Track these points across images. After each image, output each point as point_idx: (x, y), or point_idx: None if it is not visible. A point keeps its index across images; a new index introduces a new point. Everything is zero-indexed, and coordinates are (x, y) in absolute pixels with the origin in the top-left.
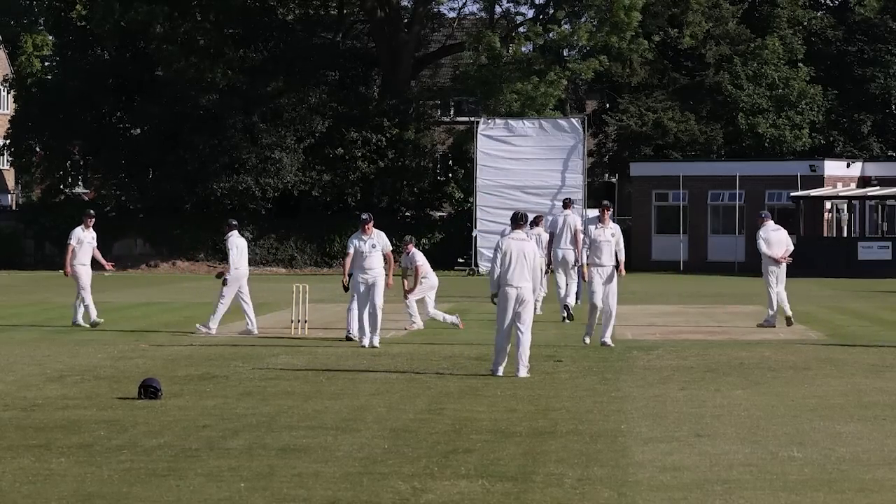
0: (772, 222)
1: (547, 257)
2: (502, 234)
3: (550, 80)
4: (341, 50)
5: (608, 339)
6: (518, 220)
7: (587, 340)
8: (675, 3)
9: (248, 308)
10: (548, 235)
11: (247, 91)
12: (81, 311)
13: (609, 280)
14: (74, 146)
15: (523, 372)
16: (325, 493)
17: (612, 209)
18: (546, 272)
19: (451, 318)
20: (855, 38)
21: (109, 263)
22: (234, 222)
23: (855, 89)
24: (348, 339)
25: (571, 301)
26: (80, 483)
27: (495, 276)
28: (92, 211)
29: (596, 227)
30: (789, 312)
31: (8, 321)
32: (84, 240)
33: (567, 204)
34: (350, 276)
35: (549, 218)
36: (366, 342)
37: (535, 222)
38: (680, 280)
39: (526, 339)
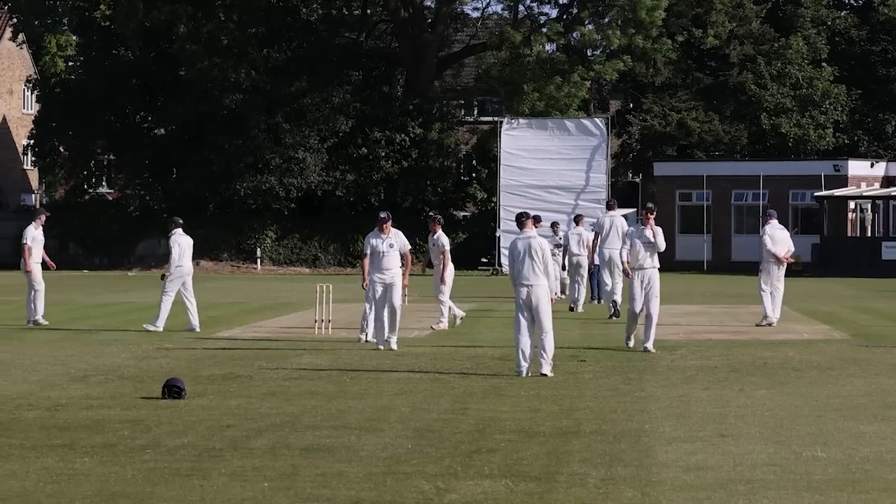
0: (776, 221)
1: (591, 257)
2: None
3: (574, 80)
4: (365, 50)
5: (650, 346)
6: (522, 219)
7: (630, 343)
8: (699, 2)
9: (192, 306)
10: (590, 235)
11: (270, 91)
12: (40, 307)
13: (650, 284)
14: (98, 146)
15: (546, 368)
16: (349, 493)
17: (655, 212)
18: (592, 270)
19: (459, 313)
20: (879, 37)
21: (52, 263)
22: (180, 220)
23: (879, 89)
24: (369, 342)
25: (619, 298)
26: (103, 483)
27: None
28: (43, 208)
29: (636, 230)
30: (769, 315)
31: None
32: (37, 238)
33: (612, 206)
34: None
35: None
36: (382, 344)
37: (577, 221)
38: (703, 280)
39: (548, 336)
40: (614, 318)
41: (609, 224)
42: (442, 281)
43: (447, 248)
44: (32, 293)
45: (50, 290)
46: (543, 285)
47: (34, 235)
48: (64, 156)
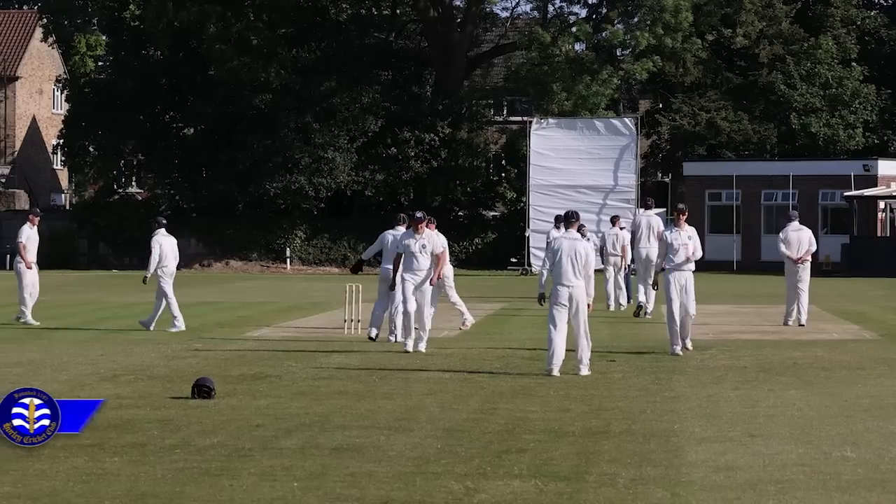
0: (796, 223)
1: (625, 257)
2: (549, 233)
3: (602, 79)
4: (394, 50)
5: (688, 344)
6: (570, 219)
7: (677, 350)
8: (729, 2)
9: (161, 309)
10: (627, 235)
11: (300, 91)
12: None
13: (686, 285)
14: (127, 146)
15: (584, 370)
16: (378, 493)
17: (687, 213)
18: (629, 271)
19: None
20: None
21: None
22: (163, 221)
23: None
24: (398, 342)
25: (650, 304)
26: (133, 482)
27: (545, 276)
28: (38, 209)
29: (671, 231)
30: (794, 314)
31: (62, 321)
32: (32, 237)
33: (649, 205)
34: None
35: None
36: (409, 346)
37: (613, 221)
38: (733, 280)
39: (584, 340)
40: (643, 316)
41: (645, 223)
42: (430, 282)
43: (445, 248)
44: (26, 292)
45: (79, 290)
46: (582, 287)
47: (29, 234)
48: (94, 156)
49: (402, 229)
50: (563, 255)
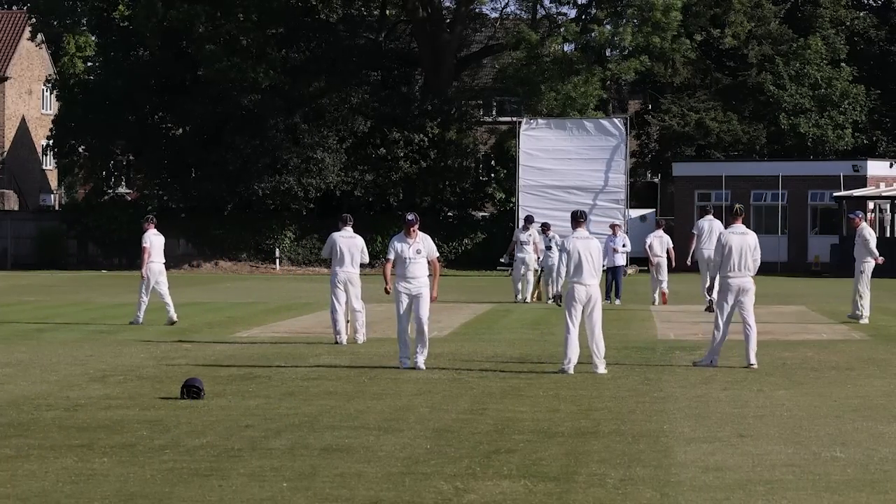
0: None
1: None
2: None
3: (589, 80)
4: (383, 50)
5: (753, 360)
6: (579, 218)
7: (704, 361)
8: (718, 2)
9: None
10: (668, 238)
11: (289, 91)
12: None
13: (740, 295)
14: (117, 146)
15: (601, 368)
16: (368, 494)
17: (744, 214)
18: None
19: (171, 313)
20: None
21: None
22: None
23: None
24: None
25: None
26: (122, 483)
27: (563, 277)
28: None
29: (731, 233)
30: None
31: (51, 321)
32: None
33: (708, 210)
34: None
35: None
36: (407, 362)
37: (659, 224)
38: None
39: (600, 336)
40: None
41: (708, 227)
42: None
43: (143, 244)
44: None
45: (68, 290)
46: (597, 286)
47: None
48: (83, 156)
49: (348, 230)
50: (580, 255)
